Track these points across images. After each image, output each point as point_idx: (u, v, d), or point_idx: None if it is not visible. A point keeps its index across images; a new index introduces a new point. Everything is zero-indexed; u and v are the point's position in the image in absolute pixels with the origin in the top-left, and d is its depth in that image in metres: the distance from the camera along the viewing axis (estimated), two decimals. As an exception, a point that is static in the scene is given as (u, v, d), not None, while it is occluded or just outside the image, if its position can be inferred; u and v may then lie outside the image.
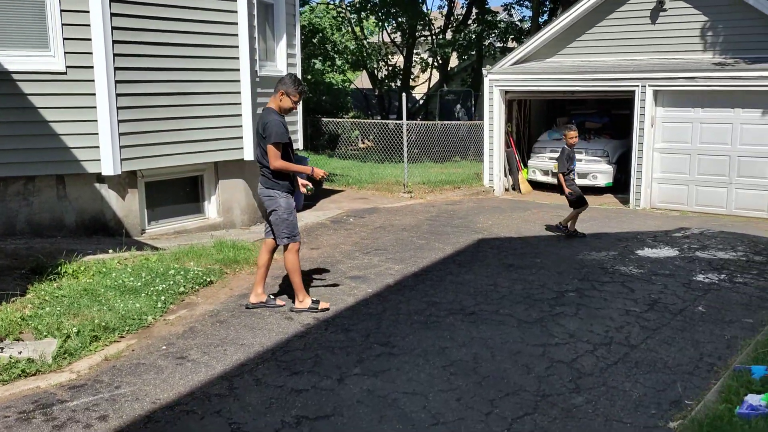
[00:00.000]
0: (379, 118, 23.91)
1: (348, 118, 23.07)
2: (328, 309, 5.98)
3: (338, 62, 23.54)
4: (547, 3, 23.09)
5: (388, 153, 16.06)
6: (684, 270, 7.46)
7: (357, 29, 25.63)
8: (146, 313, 5.72)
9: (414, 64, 25.81)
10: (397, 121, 15.56)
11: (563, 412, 4.12)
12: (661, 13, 12.21)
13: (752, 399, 3.99)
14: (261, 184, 5.83)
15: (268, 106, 5.76)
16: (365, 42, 25.56)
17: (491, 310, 5.98)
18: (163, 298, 6.07)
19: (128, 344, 5.18)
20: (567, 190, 9.19)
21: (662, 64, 11.88)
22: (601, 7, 12.71)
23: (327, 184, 14.37)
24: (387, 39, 26.49)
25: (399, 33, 25.26)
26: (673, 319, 5.84)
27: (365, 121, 20.65)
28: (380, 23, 25.26)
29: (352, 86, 27.16)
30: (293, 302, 6.04)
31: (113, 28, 7.54)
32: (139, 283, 6.31)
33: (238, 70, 8.77)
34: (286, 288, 6.49)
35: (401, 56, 25.60)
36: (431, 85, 26.33)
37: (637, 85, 11.77)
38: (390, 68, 25.72)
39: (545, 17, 22.68)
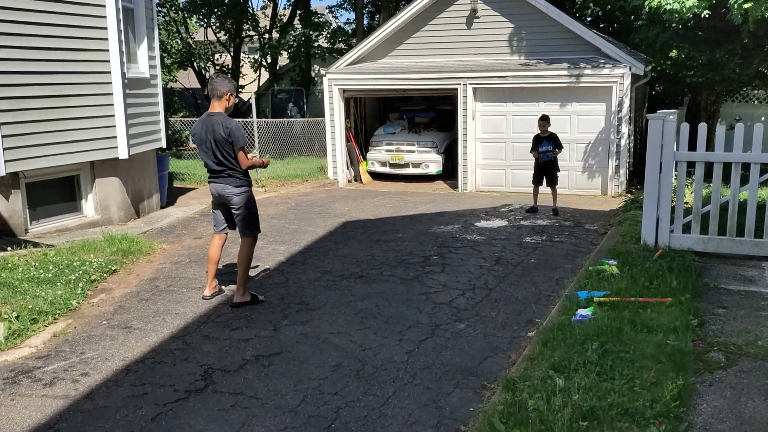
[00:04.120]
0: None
1: (179, 118, 23.07)
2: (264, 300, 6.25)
3: (167, 62, 23.52)
4: (368, 6, 24.79)
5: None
6: (515, 235, 9.21)
7: (182, 28, 25.63)
8: (69, 299, 6.22)
9: (243, 63, 26.32)
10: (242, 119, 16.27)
11: (453, 334, 5.44)
12: (475, 20, 14.15)
13: (582, 311, 5.57)
14: (227, 185, 5.95)
15: (216, 111, 5.88)
16: (191, 41, 25.64)
17: (376, 273, 7.20)
18: (80, 285, 6.57)
19: (67, 323, 5.72)
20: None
21: (479, 64, 13.83)
22: (423, 14, 14.41)
23: (178, 182, 14.77)
24: (213, 37, 26.71)
25: (224, 32, 25.59)
26: (514, 269, 7.44)
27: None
28: (204, 21, 25.46)
29: (179, 85, 27.06)
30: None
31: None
32: (50, 275, 6.72)
33: (109, 72, 9.17)
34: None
35: (229, 55, 25.98)
36: (261, 84, 27.00)
37: (460, 84, 13.62)
38: (218, 67, 26.00)
39: (367, 20, 24.37)
